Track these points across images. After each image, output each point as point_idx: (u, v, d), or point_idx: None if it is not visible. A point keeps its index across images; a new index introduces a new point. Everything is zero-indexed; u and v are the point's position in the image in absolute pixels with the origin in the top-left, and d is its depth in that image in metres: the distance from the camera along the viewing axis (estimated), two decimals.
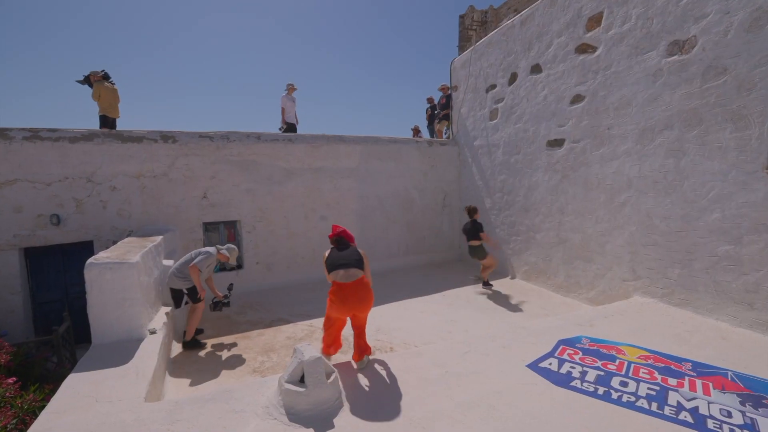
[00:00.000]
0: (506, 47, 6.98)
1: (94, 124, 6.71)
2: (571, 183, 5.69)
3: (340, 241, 3.28)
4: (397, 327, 4.94)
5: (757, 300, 3.62)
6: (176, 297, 4.37)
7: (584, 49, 5.37)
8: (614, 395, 2.66)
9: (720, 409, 2.48)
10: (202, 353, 4.33)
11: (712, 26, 3.89)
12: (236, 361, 4.15)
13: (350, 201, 7.47)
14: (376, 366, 3.13)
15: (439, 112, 9.43)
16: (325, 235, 7.18)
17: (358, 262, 3.10)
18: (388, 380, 2.90)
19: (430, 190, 8.39)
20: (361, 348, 3.24)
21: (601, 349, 3.37)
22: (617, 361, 3.15)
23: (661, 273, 4.46)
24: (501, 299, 5.94)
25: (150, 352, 3.37)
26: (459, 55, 8.66)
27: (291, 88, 8.56)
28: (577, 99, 5.50)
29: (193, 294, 4.34)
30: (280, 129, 8.43)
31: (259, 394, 2.70)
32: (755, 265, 3.63)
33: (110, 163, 5.54)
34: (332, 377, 2.58)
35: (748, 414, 2.43)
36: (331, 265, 3.14)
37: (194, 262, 4.27)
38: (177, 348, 4.43)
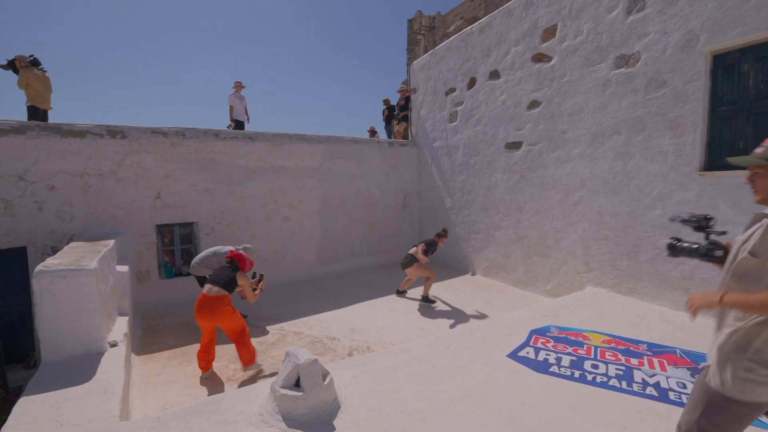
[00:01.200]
0: (465, 53, 7.27)
1: (22, 116, 5.96)
2: (528, 183, 6.07)
3: (231, 262, 4.06)
4: (370, 326, 4.95)
5: (692, 285, 4.13)
6: (202, 282, 4.81)
7: (540, 58, 5.76)
8: (589, 377, 2.90)
9: (677, 382, 2.80)
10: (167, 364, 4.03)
11: (652, 44, 4.37)
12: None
13: (313, 201, 7.34)
14: (365, 365, 3.12)
15: (398, 113, 9.58)
16: (289, 236, 7.05)
17: (226, 285, 3.79)
18: (379, 378, 2.91)
19: (392, 191, 8.49)
20: (242, 357, 3.78)
21: (569, 336, 3.65)
22: (585, 346, 3.44)
23: (611, 265, 4.92)
24: (465, 295, 6.18)
25: (115, 366, 3.07)
26: (407, 57, 8.88)
27: (239, 86, 8.47)
28: (533, 104, 5.89)
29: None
30: (228, 127, 8.24)
31: (248, 402, 2.58)
32: None
33: (47, 160, 4.95)
34: (328, 379, 2.55)
35: None
36: (209, 279, 3.92)
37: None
38: (138, 362, 4.08)
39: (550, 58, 5.60)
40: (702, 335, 3.63)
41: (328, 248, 7.57)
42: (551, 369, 3.03)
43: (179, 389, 3.55)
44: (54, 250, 4.97)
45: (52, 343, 3.13)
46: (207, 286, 3.75)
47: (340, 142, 7.67)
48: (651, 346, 3.40)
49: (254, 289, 4.13)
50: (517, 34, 6.12)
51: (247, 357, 3.77)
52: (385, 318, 5.24)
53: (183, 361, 4.09)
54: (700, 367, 2.64)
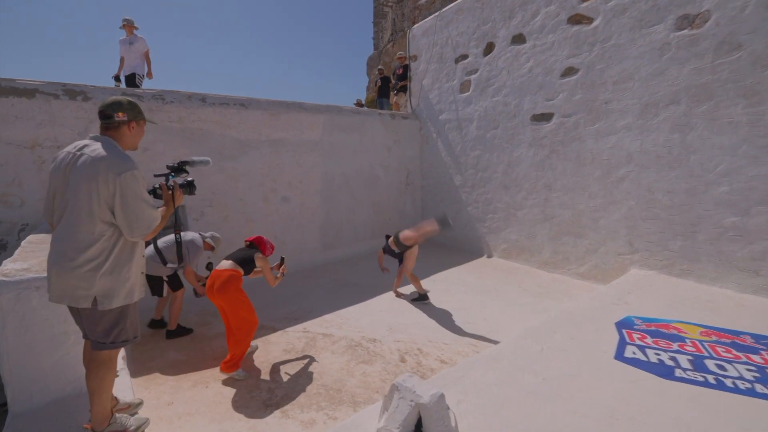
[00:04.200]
0: (481, 15, 6.57)
1: None
2: (560, 158, 5.61)
3: (251, 245, 3.67)
4: (409, 323, 4.33)
5: (763, 267, 3.88)
6: (155, 285, 3.93)
7: (578, 19, 5.20)
8: (728, 383, 2.47)
9: None
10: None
11: (728, 1, 3.93)
12: (233, 394, 3.09)
13: (315, 179, 6.46)
14: (460, 383, 2.50)
15: (396, 83, 8.75)
16: (289, 218, 6.18)
17: (241, 261, 3.39)
18: (490, 402, 2.31)
19: (394, 168, 7.77)
20: (231, 354, 3.27)
21: (660, 329, 3.24)
22: (687, 341, 3.04)
23: (662, 245, 4.60)
24: (491, 279, 5.71)
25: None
26: (374, 31, 8.11)
27: (128, 27, 6.05)
28: (569, 72, 5.36)
29: (174, 282, 3.95)
30: (114, 80, 6.34)
31: None
32: (762, 235, 3.87)
33: None
34: (452, 417, 1.90)
35: None
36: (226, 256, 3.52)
37: (188, 263, 3.82)
38: (137, 386, 3.17)
39: (591, 20, 5.06)
40: None
41: (332, 232, 6.77)
42: (676, 374, 2.58)
43: (206, 424, 2.74)
44: (1, 246, 3.83)
45: (23, 384, 2.22)
46: (222, 263, 3.36)
47: (342, 112, 6.78)
48: (757, 338, 3.07)
49: (276, 275, 3.66)
50: None
51: (234, 359, 3.28)
52: (419, 312, 4.64)
53: (197, 382, 3.24)
54: None
